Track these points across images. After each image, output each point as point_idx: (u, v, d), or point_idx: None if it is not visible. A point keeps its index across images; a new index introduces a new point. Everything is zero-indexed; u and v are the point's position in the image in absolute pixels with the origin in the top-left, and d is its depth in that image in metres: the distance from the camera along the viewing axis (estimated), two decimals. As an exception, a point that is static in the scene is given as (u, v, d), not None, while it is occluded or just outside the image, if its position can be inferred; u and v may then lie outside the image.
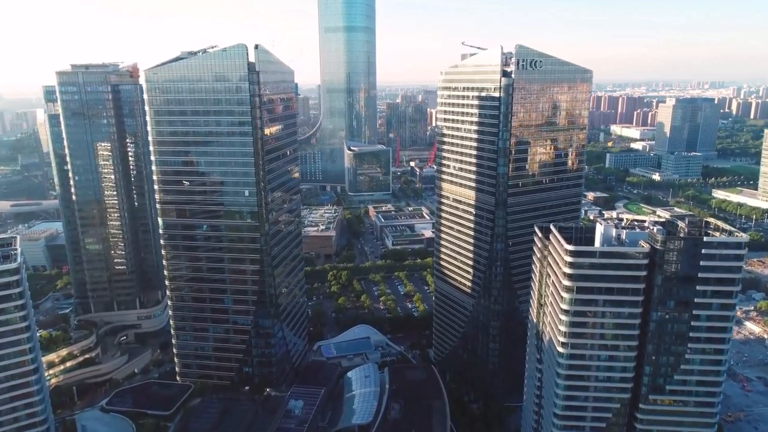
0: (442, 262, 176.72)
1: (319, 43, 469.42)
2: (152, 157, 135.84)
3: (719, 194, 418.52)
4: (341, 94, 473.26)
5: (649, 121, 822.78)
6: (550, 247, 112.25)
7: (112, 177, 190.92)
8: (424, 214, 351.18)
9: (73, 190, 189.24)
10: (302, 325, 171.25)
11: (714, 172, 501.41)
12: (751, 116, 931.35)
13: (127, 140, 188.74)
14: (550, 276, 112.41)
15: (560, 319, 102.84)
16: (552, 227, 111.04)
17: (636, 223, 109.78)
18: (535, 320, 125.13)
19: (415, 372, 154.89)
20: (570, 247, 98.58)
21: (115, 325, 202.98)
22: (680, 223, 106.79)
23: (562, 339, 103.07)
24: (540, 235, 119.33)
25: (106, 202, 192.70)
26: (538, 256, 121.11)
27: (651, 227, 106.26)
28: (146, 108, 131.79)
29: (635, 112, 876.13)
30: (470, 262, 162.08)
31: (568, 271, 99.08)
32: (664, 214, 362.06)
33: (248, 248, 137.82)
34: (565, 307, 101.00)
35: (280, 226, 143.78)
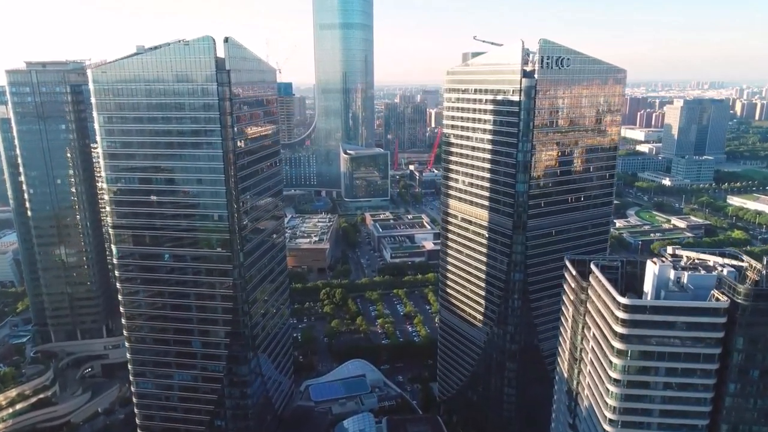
0: (448, 290, 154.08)
1: (314, 40, 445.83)
2: (102, 173, 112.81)
3: (735, 201, 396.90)
4: (337, 93, 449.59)
5: (653, 123, 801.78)
6: (590, 291, 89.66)
7: (73, 189, 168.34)
8: (425, 223, 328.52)
9: (27, 204, 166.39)
10: (287, 361, 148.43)
11: (726, 176, 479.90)
12: (756, 117, 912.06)
13: (91, 147, 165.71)
14: (589, 327, 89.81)
15: (608, 389, 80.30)
16: (593, 267, 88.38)
17: (698, 262, 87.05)
18: (565, 374, 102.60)
19: (418, 426, 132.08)
20: (625, 301, 75.99)
21: (78, 356, 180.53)
22: (754, 264, 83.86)
23: (609, 414, 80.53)
24: (573, 271, 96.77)
25: (66, 217, 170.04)
26: (571, 297, 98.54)
27: (720, 268, 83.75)
28: (94, 114, 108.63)
29: (638, 113, 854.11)
30: (482, 292, 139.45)
31: (621, 330, 76.52)
32: (680, 223, 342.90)
33: (219, 282, 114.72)
34: (615, 375, 78.46)
35: (257, 253, 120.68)
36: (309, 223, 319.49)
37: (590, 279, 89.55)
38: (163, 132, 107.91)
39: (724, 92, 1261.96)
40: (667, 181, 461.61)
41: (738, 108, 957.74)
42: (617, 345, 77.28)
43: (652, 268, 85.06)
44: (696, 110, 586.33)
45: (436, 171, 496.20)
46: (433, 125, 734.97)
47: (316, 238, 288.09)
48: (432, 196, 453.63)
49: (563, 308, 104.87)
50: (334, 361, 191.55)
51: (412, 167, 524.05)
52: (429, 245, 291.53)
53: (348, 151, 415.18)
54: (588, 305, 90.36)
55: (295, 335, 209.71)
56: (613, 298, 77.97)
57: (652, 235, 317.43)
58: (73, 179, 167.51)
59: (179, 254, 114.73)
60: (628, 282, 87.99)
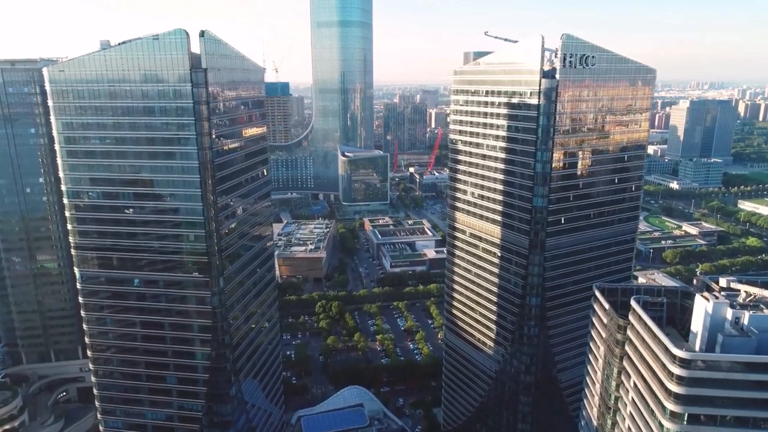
0: (454, 311, 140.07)
1: (311, 38, 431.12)
2: (63, 187, 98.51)
3: (746, 206, 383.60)
4: (335, 93, 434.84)
5: (656, 124, 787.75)
6: (629, 332, 75.65)
7: (45, 198, 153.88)
8: (426, 230, 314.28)
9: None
10: (276, 388, 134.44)
11: (735, 180, 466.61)
12: (760, 118, 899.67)
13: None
14: (629, 375, 75.78)
15: (657, 457, 66.29)
16: (634, 304, 74.41)
17: (759, 299, 73.02)
18: (594, 422, 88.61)
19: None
20: (682, 354, 62.07)
21: (51, 380, 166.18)
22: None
23: (659, 487, 66.49)
24: (605, 304, 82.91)
25: (38, 228, 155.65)
26: (603, 335, 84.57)
27: (787, 307, 69.78)
28: (52, 119, 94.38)
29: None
30: (493, 316, 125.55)
31: (676, 390, 62.59)
32: (691, 230, 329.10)
33: (196, 311, 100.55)
34: (668, 442, 64.45)
35: (241, 276, 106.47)
36: (305, 229, 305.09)
37: (630, 317, 75.59)
38: (131, 140, 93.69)
39: (724, 92, 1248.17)
40: (674, 185, 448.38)
41: (741, 109, 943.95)
42: (671, 406, 63.32)
43: (703, 305, 71.05)
44: (701, 111, 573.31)
45: (436, 173, 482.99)
46: (433, 126, 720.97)
47: (312, 246, 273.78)
48: (433, 199, 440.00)
49: (591, 344, 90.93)
50: (330, 384, 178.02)
51: (412, 170, 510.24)
52: (431, 253, 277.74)
53: (346, 154, 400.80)
54: (627, 348, 76.40)
55: (288, 353, 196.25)
56: (666, 349, 64.02)
57: (663, 242, 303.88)
58: (45, 188, 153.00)
59: (151, 279, 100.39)
60: (680, 320, 74.22)
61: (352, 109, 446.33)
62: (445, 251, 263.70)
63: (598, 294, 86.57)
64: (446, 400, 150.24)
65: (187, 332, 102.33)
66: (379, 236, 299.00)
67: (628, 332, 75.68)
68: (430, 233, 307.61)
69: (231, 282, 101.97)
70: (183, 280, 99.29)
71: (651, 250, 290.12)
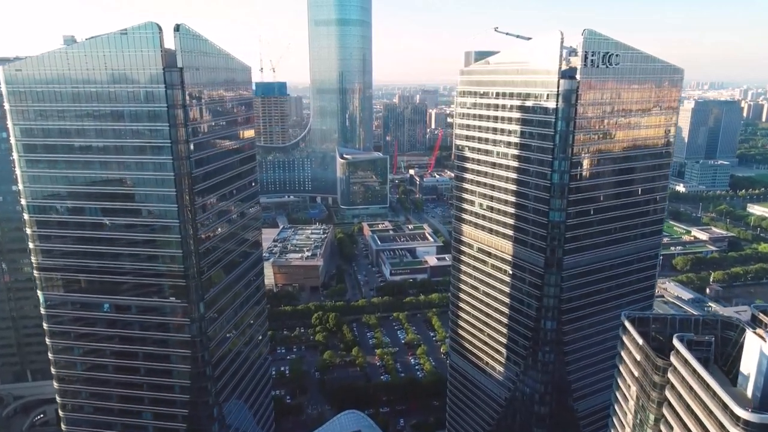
0: (460, 331, 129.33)
1: (309, 37, 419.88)
2: (22, 200, 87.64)
3: (756, 210, 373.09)
4: (333, 93, 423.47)
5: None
6: (672, 376, 64.87)
7: (19, 207, 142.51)
8: (427, 235, 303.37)
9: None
10: (266, 415, 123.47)
11: (743, 182, 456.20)
12: (763, 119, 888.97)
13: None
14: (670, 426, 64.92)
15: None
16: (678, 344, 63.65)
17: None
18: (624, 470, 77.87)
19: None
20: (747, 416, 51.26)
21: (28, 401, 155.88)
22: None
23: None
24: (638, 339, 72.19)
25: (11, 239, 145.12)
26: (635, 373, 73.79)
27: None
28: (8, 124, 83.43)
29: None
30: (503, 340, 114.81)
31: (740, 457, 51.73)
32: (701, 235, 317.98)
33: (174, 340, 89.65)
34: None
35: (225, 298, 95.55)
36: (301, 235, 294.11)
37: (672, 359, 64.80)
38: (97, 149, 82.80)
39: (725, 93, 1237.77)
40: (681, 188, 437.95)
41: (744, 109, 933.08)
42: (732, 476, 52.60)
43: (757, 345, 60.57)
44: (705, 112, 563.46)
45: (437, 176, 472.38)
46: (433, 126, 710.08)
47: (309, 253, 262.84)
48: (433, 202, 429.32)
49: (619, 381, 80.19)
50: (326, 403, 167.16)
51: (412, 171, 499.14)
52: (432, 260, 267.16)
53: (345, 156, 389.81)
54: (668, 394, 65.63)
55: (282, 368, 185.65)
56: (724, 406, 53.23)
57: (672, 248, 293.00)
58: (12, 195, 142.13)
59: (122, 304, 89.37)
60: (729, 361, 63.45)
61: (351, 110, 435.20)
62: (447, 258, 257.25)
63: (627, 325, 75.94)
64: (450, 425, 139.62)
65: (164, 363, 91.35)
66: (379, 242, 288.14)
67: (670, 376, 64.97)
68: (431, 239, 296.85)
69: (213, 306, 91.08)
70: (158, 306, 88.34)
71: (660, 257, 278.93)
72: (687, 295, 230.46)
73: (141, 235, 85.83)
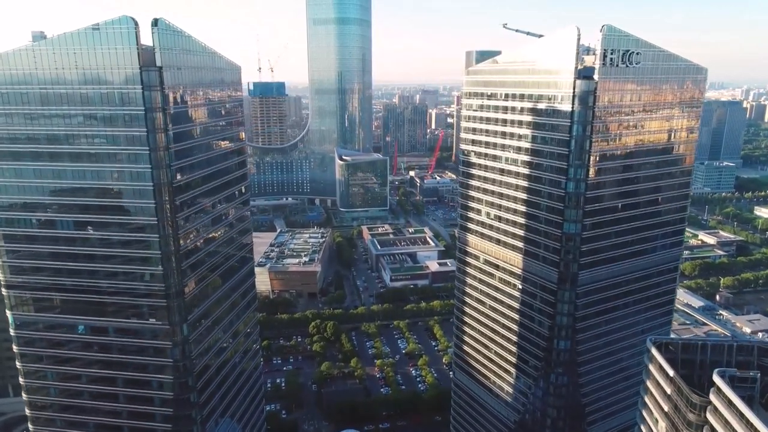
0: (465, 347, 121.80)
1: (307, 36, 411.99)
2: (-13, 213, 79.92)
3: (764, 213, 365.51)
4: (332, 94, 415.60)
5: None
6: (711, 416, 57.25)
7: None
8: (428, 239, 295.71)
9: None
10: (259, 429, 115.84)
11: (748, 184, 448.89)
12: (766, 119, 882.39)
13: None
14: (710, 473, 57.38)
15: None
16: (719, 380, 56.07)
17: None
18: None
19: None
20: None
21: (9, 417, 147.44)
22: None
23: None
24: (669, 371, 64.63)
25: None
26: (665, 408, 66.20)
27: None
28: (-29, 129, 75.92)
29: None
30: (512, 359, 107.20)
31: None
32: (709, 239, 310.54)
33: (154, 365, 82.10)
34: None
35: (211, 318, 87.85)
36: (299, 239, 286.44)
37: (712, 397, 57.20)
38: (69, 156, 75.01)
39: (725, 93, 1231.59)
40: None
41: (746, 109, 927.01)
42: None
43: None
44: (708, 112, 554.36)
45: (438, 177, 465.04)
46: (433, 126, 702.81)
47: (307, 258, 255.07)
48: (434, 204, 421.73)
49: (645, 414, 72.60)
50: (324, 419, 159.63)
51: (412, 173, 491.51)
52: (433, 266, 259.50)
53: (344, 157, 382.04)
54: (705, 435, 58.04)
55: (278, 380, 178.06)
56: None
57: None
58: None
59: (98, 326, 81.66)
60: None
61: (350, 110, 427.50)
62: (449, 263, 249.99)
63: (654, 352, 68.46)
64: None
65: (144, 389, 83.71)
66: (378, 247, 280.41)
67: (709, 416, 57.34)
68: (432, 243, 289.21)
69: (198, 328, 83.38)
70: (137, 328, 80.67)
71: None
72: (697, 302, 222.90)
73: (118, 250, 78.11)
